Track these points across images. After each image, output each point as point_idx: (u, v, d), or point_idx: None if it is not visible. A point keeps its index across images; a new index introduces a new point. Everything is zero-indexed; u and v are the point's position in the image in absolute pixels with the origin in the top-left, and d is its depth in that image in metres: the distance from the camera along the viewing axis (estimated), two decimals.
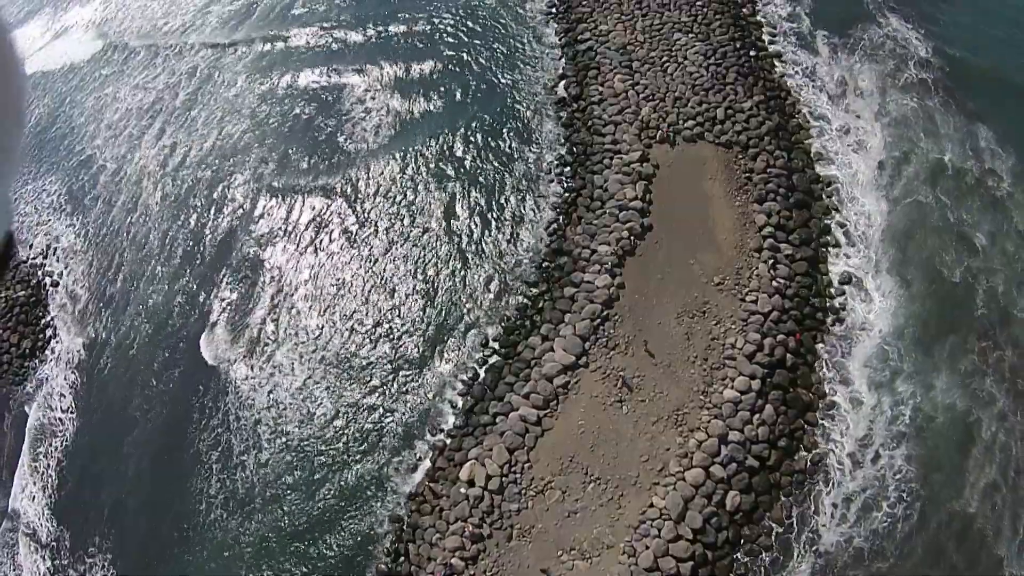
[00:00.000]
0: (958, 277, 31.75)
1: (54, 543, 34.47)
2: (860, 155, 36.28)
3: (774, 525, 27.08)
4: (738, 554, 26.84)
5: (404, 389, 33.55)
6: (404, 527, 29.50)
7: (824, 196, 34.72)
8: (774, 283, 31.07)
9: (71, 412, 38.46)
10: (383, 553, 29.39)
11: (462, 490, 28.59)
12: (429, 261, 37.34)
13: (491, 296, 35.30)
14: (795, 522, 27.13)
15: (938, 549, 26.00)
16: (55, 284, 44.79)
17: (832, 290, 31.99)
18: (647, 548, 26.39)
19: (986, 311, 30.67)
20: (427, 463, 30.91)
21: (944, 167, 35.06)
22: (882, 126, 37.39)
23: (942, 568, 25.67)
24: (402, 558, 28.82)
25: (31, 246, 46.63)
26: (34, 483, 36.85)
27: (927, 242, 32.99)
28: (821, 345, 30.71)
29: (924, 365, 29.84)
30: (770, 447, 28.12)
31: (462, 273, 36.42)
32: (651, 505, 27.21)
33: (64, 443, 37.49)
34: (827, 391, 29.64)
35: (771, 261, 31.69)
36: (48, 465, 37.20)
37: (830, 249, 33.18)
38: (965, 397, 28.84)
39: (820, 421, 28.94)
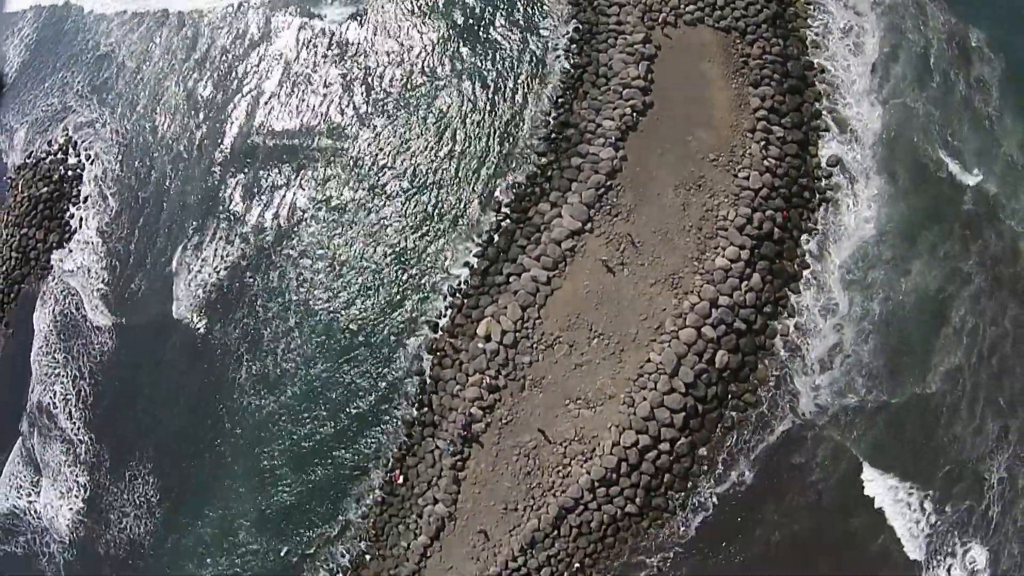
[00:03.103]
0: (944, 173, 32.55)
1: (85, 431, 37.83)
2: (854, 47, 36.60)
3: (758, 384, 29.71)
4: (726, 410, 29.46)
5: (423, 252, 35.78)
6: (427, 379, 32.33)
7: (816, 83, 35.72)
8: (765, 162, 32.70)
9: (100, 306, 40.96)
10: (409, 404, 32.38)
11: (479, 345, 31.23)
12: (442, 132, 38.76)
13: (502, 164, 36.95)
14: (778, 382, 29.61)
15: (901, 423, 28.27)
16: (78, 178, 46.24)
17: (820, 171, 33.41)
18: (644, 400, 29.10)
19: (973, 207, 31.59)
20: (447, 320, 33.37)
21: (935, 67, 35.23)
22: (876, 17, 37.46)
23: (909, 434, 28.12)
24: (426, 408, 31.71)
25: (50, 142, 47.87)
26: (65, 376, 39.66)
27: (915, 137, 33.54)
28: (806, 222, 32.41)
29: (904, 250, 31.29)
30: (756, 312, 30.47)
31: (474, 142, 37.97)
32: (648, 360, 29.79)
33: (92, 336, 40.15)
34: (809, 265, 31.47)
35: (763, 142, 33.20)
36: (77, 358, 39.91)
37: (820, 133, 34.29)
38: (939, 278, 30.42)
39: (803, 292, 31.11)
